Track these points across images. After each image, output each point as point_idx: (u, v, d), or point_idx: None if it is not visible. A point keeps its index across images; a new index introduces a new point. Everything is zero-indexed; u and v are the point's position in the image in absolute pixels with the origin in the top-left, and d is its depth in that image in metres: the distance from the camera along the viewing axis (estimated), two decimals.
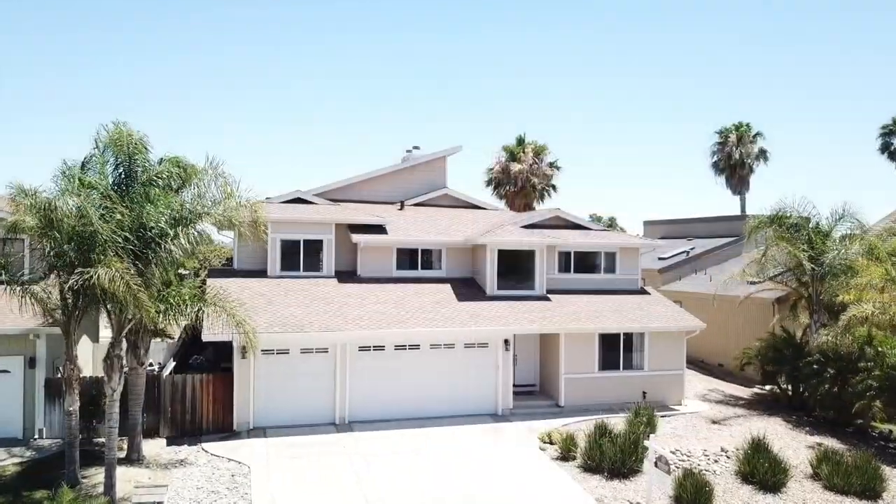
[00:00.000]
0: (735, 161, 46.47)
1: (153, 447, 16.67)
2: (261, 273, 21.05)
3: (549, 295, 22.02)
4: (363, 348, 18.96)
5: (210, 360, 21.32)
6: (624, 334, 21.09)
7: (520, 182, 36.83)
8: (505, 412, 19.95)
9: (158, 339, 25.87)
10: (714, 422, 20.05)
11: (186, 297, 13.88)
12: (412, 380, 19.29)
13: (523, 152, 37.23)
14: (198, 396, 17.79)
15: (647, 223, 40.05)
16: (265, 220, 16.56)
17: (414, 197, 25.56)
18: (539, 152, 37.58)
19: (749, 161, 46.61)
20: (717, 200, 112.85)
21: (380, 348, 19.11)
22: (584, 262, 23.24)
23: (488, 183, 38.73)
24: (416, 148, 27.36)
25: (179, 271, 29.96)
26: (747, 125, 47.09)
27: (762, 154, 46.85)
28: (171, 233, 13.24)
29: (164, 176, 14.63)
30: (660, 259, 33.03)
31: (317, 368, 18.63)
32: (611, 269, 23.40)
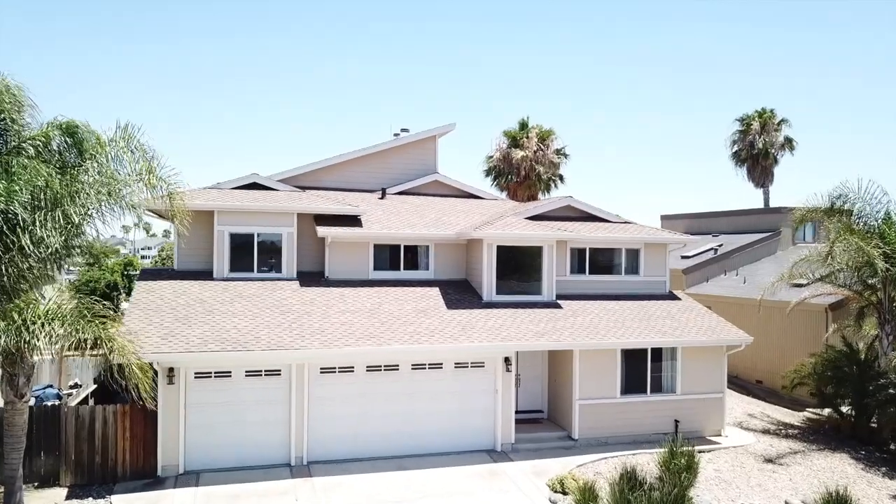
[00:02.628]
0: (758, 150, 42.34)
1: (47, 502, 12.78)
2: (206, 274, 17.12)
3: (559, 301, 18.07)
4: (326, 370, 15.04)
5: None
6: (652, 350, 17.15)
7: (523, 171, 32.75)
8: (505, 447, 16.03)
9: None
10: (767, 460, 16.10)
11: (41, 314, 9.89)
12: (388, 409, 15.37)
13: (527, 137, 33.13)
14: (111, 433, 13.88)
15: (664, 217, 35.96)
16: (184, 208, 12.57)
17: (398, 184, 21.61)
18: (544, 137, 33.49)
19: (773, 151, 42.52)
20: (736, 194, 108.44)
21: (347, 370, 15.19)
22: (602, 260, 19.28)
23: (487, 172, 34.67)
24: (404, 131, 23.37)
25: (128, 272, 26.03)
26: (771, 111, 43.00)
27: (788, 143, 42.75)
28: (30, 220, 9.28)
29: (39, 144, 10.67)
30: (683, 258, 29.00)
31: (267, 395, 14.72)
32: (633, 269, 19.42)
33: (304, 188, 19.75)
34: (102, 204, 10.36)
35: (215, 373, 14.38)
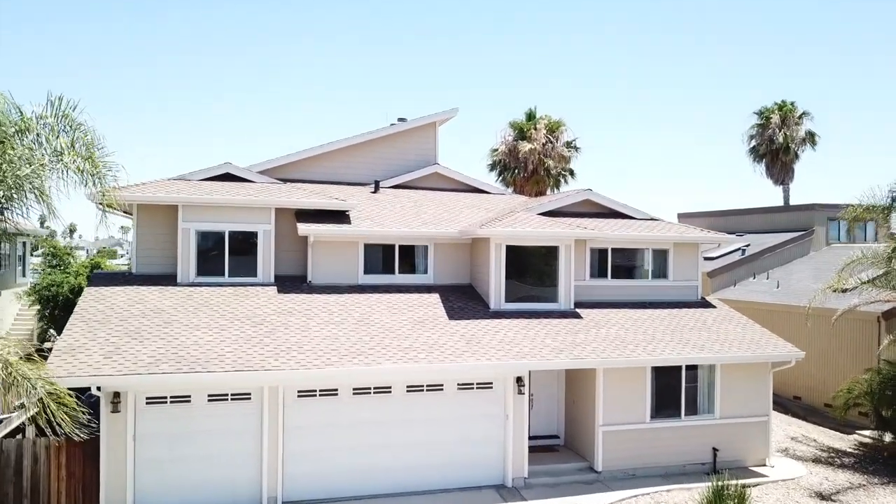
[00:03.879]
0: (778, 145, 39.92)
1: None
2: (169, 279, 14.77)
3: (577, 310, 15.71)
4: (304, 394, 12.66)
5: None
6: (686, 367, 14.77)
7: (530, 165, 30.34)
8: (517, 483, 13.63)
9: None
10: (824, 497, 13.71)
11: None
12: (379, 439, 12.98)
13: (534, 129, 30.69)
14: (42, 471, 11.52)
15: (681, 216, 33.52)
16: (118, 200, 10.30)
17: (393, 176, 19.27)
18: (553, 129, 31.07)
19: (794, 146, 40.08)
20: (754, 191, 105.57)
21: (330, 393, 12.80)
22: (626, 262, 16.90)
23: (492, 167, 32.25)
24: (401, 120, 21.05)
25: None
26: (791, 104, 40.57)
27: (810, 137, 40.33)
28: None
29: None
30: (707, 259, 26.55)
31: (233, 424, 12.32)
32: (661, 272, 17.06)
33: (286, 180, 17.43)
34: None
35: (171, 398, 12.00)
